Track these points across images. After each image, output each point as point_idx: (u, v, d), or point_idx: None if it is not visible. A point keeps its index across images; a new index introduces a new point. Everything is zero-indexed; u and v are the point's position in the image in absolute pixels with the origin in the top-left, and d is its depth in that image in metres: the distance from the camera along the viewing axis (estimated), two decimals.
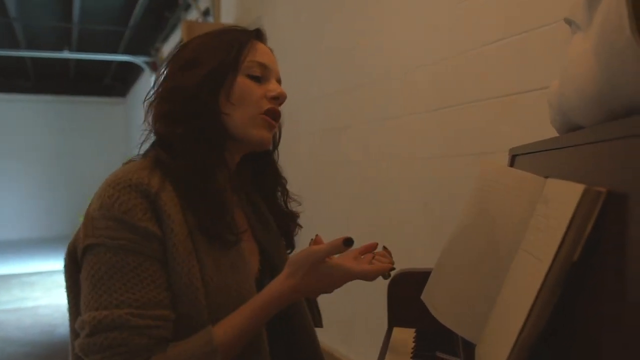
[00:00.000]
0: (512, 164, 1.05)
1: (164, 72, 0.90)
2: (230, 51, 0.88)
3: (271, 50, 0.96)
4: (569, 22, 0.79)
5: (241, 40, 0.90)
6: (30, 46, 7.45)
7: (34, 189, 10.33)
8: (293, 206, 1.04)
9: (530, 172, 0.73)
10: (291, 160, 3.31)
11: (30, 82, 9.86)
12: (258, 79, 0.90)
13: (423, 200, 2.12)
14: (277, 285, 0.78)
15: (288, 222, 1.03)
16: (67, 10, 6.15)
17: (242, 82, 0.88)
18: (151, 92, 0.89)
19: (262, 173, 1.00)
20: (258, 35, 0.95)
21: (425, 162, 2.11)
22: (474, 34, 1.84)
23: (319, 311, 1.09)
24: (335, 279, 0.77)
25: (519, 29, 1.65)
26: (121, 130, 10.42)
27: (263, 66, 0.90)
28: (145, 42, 7.23)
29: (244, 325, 0.76)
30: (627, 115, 0.58)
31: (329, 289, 0.80)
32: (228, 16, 4.55)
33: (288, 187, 1.04)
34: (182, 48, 0.92)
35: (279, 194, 1.02)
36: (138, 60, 7.61)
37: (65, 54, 7.53)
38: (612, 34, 0.58)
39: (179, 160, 0.81)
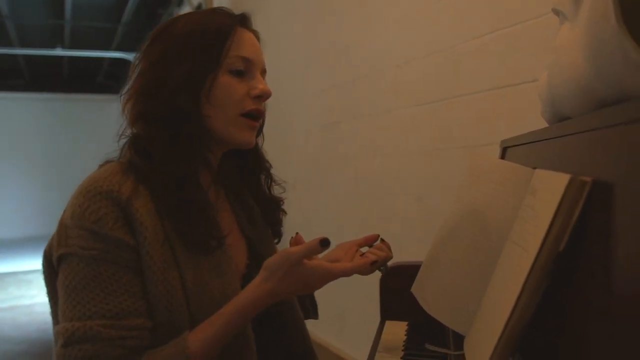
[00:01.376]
0: (503, 156, 1.05)
1: (138, 64, 0.85)
2: (212, 46, 0.82)
3: (257, 35, 0.91)
4: (556, 12, 0.79)
5: (224, 30, 0.84)
6: (23, 44, 7.40)
7: (29, 187, 10.29)
8: (277, 192, 1.01)
9: (521, 164, 0.73)
10: (285, 156, 3.31)
11: (24, 80, 9.80)
12: (241, 74, 0.85)
13: (416, 193, 2.12)
14: (253, 289, 0.75)
15: (273, 209, 1.00)
16: (59, 7, 6.10)
17: (223, 80, 0.83)
18: (126, 87, 0.85)
19: (244, 159, 0.96)
20: (243, 21, 0.88)
21: (418, 156, 2.11)
22: (464, 27, 1.84)
23: (314, 303, 1.08)
24: (315, 280, 0.74)
25: (510, 22, 1.64)
26: (115, 127, 10.37)
27: (247, 60, 0.85)
28: (138, 39, 7.19)
29: (219, 331, 0.74)
30: (614, 104, 0.58)
31: (308, 290, 0.78)
32: None
33: (281, 181, 1.02)
34: (157, 37, 0.85)
35: (263, 178, 0.99)
36: (131, 56, 7.53)
37: (58, 52, 7.48)
38: (598, 23, 0.58)
39: (155, 165, 0.78)
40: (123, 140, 0.84)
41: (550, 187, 0.54)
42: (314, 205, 3.01)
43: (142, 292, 0.74)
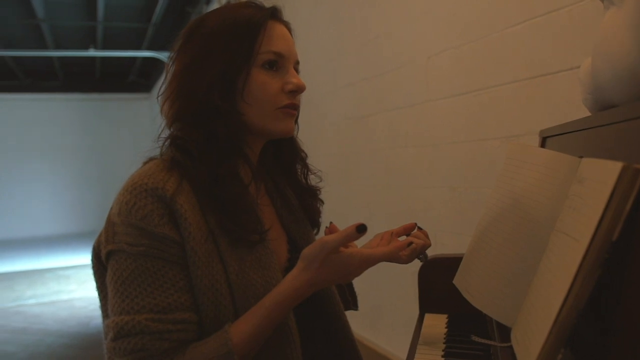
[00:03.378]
0: (543, 145, 1.03)
1: (172, 64, 0.86)
2: (242, 42, 0.82)
3: (289, 26, 0.90)
4: None
5: (254, 25, 0.83)
6: (58, 46, 7.59)
7: (66, 186, 10.58)
8: (314, 181, 1.01)
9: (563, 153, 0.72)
10: (316, 149, 3.31)
11: (59, 81, 10.06)
12: (274, 68, 0.85)
13: (449, 185, 2.10)
14: (291, 280, 0.75)
15: (310, 199, 1.00)
16: (92, 9, 6.23)
17: (256, 76, 0.83)
18: (162, 88, 0.86)
19: (281, 149, 0.97)
20: (274, 14, 0.88)
21: (451, 147, 2.09)
22: (497, 16, 1.80)
23: (353, 293, 1.09)
24: (353, 268, 0.74)
25: (545, 9, 1.61)
26: (147, 125, 10.59)
27: (279, 54, 0.85)
28: (168, 38, 7.27)
29: (261, 323, 0.74)
30: None
31: (348, 278, 0.77)
32: None
33: (317, 171, 1.02)
34: (188, 36, 0.86)
35: (300, 168, 0.99)
36: (161, 55, 7.67)
37: (92, 52, 7.64)
38: None
39: (196, 163, 0.79)
40: (163, 138, 0.85)
41: (600, 175, 0.53)
42: (346, 198, 3.01)
43: (189, 287, 0.76)
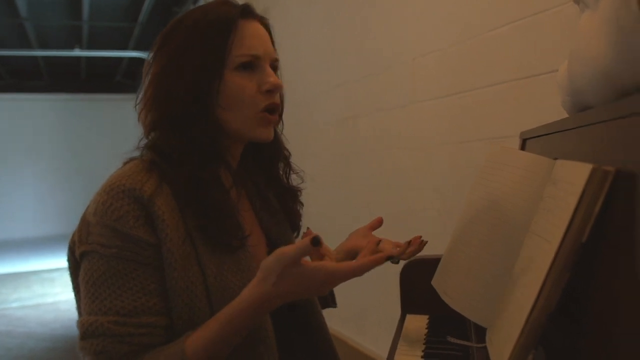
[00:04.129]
0: (523, 147, 1.04)
1: (149, 70, 0.85)
2: (214, 47, 0.80)
3: (264, 22, 0.88)
4: (577, 1, 0.78)
5: (225, 28, 0.81)
6: (42, 46, 7.51)
7: (51, 187, 10.47)
8: (296, 182, 1.00)
9: (542, 155, 0.72)
10: (303, 150, 3.31)
11: (44, 81, 9.95)
12: (249, 68, 0.82)
13: (435, 187, 2.11)
14: (247, 293, 0.71)
15: (289, 200, 0.98)
16: (77, 8, 6.17)
17: (231, 80, 0.81)
18: (139, 97, 0.85)
19: (261, 148, 0.94)
20: (244, 13, 0.84)
21: (436, 149, 2.10)
22: (482, 19, 1.82)
23: (331, 291, 1.08)
24: (317, 283, 0.69)
25: (528, 12, 1.62)
26: (133, 126, 10.48)
27: (253, 56, 0.82)
28: (155, 38, 7.23)
29: (215, 337, 0.71)
30: (636, 92, 0.57)
31: (312, 293, 0.72)
32: None
33: (300, 171, 1.00)
34: (162, 41, 0.85)
35: (282, 167, 0.97)
36: (148, 56, 7.63)
37: (77, 52, 7.57)
38: (620, 10, 0.57)
39: (176, 168, 0.78)
40: (141, 147, 0.85)
41: (572, 177, 0.54)
42: (332, 199, 3.01)
43: (161, 290, 0.75)
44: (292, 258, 0.67)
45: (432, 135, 2.12)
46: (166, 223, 0.75)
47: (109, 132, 10.64)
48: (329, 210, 3.03)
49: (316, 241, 0.66)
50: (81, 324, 0.74)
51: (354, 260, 0.70)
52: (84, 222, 0.78)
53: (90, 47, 7.70)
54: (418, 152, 2.21)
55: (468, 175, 1.91)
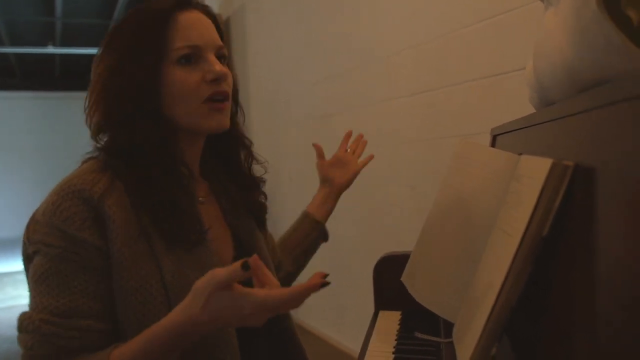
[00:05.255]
0: (493, 144, 1.05)
1: (93, 73, 0.84)
2: (151, 42, 0.79)
3: (207, 10, 0.86)
4: None
5: (160, 22, 0.80)
6: (14, 42, 7.35)
7: (24, 187, 10.24)
8: (259, 172, 0.99)
9: (511, 151, 0.73)
10: (280, 148, 3.30)
11: (16, 79, 9.74)
12: (191, 60, 0.80)
13: (409, 183, 2.12)
14: (176, 313, 0.67)
15: (252, 190, 0.97)
16: (50, 5, 6.06)
17: (172, 74, 0.80)
18: (86, 102, 0.84)
19: (220, 139, 0.92)
20: (182, 4, 0.82)
21: (411, 146, 2.11)
22: (454, 16, 1.83)
23: (323, 227, 1.20)
24: (247, 311, 0.63)
25: (500, 9, 1.64)
26: None
27: (193, 47, 0.80)
28: None
29: (143, 352, 0.68)
30: (595, 87, 0.58)
31: (245, 323, 0.66)
32: (211, 5, 4.49)
33: (264, 161, 0.99)
34: (106, 46, 0.84)
35: (243, 156, 0.96)
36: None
37: (50, 49, 7.43)
38: (580, 8, 0.58)
39: (127, 167, 0.78)
40: (92, 150, 0.85)
41: (534, 172, 0.54)
42: (309, 196, 3.00)
43: (101, 295, 0.74)
44: (222, 281, 0.63)
45: (406, 131, 2.13)
46: (116, 223, 0.74)
47: (83, 131, 10.43)
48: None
49: (245, 266, 0.63)
50: (20, 317, 0.74)
51: (288, 288, 0.65)
52: (33, 221, 0.78)
53: (64, 44, 7.56)
54: (393, 149, 2.22)
55: (441, 172, 1.92)
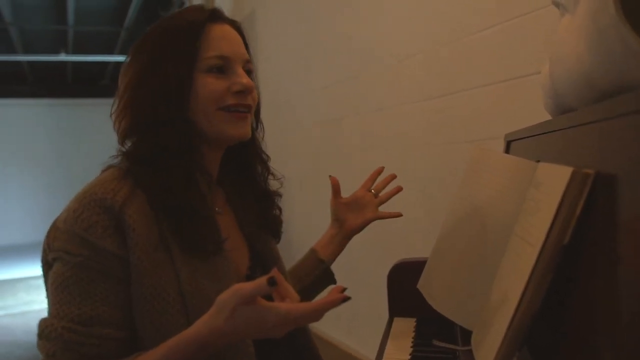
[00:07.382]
0: (507, 150, 1.05)
1: (122, 80, 0.86)
2: (183, 51, 0.81)
3: (236, 25, 0.88)
4: (556, 4, 0.78)
5: (193, 32, 0.82)
6: (27, 50, 7.44)
7: (37, 193, 10.34)
8: (275, 186, 0.99)
9: (526, 158, 0.73)
10: (288, 152, 3.31)
11: (28, 86, 9.85)
12: (221, 70, 0.83)
13: (420, 189, 2.12)
14: (199, 325, 0.68)
15: (268, 204, 0.97)
16: (62, 13, 6.13)
17: (202, 82, 0.82)
18: (114, 106, 0.86)
19: (239, 152, 0.93)
20: (213, 17, 0.85)
21: (421, 151, 2.10)
22: (466, 21, 1.83)
23: (329, 269, 1.10)
24: (270, 324, 0.65)
25: (513, 14, 1.63)
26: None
27: (223, 57, 0.83)
28: None
29: None
30: (615, 94, 0.57)
31: (265, 335, 0.67)
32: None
33: (280, 176, 1.00)
34: (135, 51, 0.86)
35: (260, 170, 0.97)
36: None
37: (62, 57, 7.52)
38: (597, 13, 0.58)
39: (149, 174, 0.79)
40: (115, 155, 0.85)
41: (553, 180, 0.54)
42: (317, 201, 3.00)
43: (121, 303, 0.75)
44: (247, 295, 0.65)
45: (417, 136, 2.13)
46: (137, 232, 0.75)
47: (95, 137, 10.53)
48: (313, 212, 3.02)
49: (272, 282, 0.64)
50: (40, 323, 0.75)
51: (309, 302, 0.67)
52: (54, 228, 0.78)
53: (76, 51, 7.64)
54: (403, 154, 2.22)
55: (454, 177, 1.92)
